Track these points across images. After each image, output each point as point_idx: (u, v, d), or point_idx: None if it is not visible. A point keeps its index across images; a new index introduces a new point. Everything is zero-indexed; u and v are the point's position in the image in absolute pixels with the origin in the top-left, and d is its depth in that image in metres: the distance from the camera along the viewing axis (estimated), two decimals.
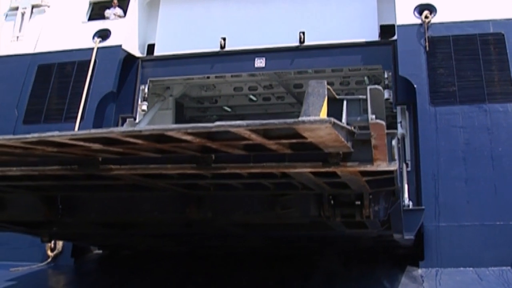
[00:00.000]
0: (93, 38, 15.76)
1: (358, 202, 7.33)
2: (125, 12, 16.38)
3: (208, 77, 17.00)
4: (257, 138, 3.98)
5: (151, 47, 16.61)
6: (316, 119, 3.56)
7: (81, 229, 9.94)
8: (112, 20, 16.26)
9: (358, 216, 7.41)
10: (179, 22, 16.40)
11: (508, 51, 13.28)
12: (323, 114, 4.91)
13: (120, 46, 15.61)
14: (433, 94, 13.24)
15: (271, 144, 4.25)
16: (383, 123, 4.40)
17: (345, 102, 5.29)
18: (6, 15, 16.92)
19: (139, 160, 5.56)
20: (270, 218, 8.11)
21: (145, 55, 16.53)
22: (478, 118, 12.84)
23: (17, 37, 16.38)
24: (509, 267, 11.53)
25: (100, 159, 5.66)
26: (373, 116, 4.65)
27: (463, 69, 13.31)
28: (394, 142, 5.10)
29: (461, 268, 11.77)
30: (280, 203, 7.71)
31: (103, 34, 15.80)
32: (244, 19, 15.84)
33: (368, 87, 5.35)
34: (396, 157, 5.13)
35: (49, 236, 11.15)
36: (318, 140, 3.97)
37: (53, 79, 15.39)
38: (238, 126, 3.71)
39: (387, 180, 6.70)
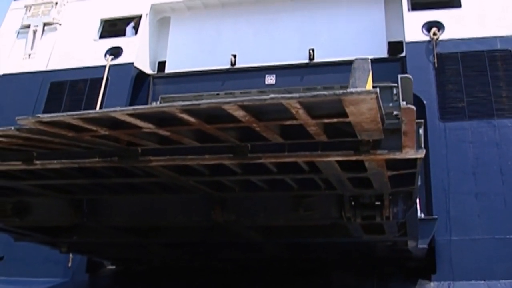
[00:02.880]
0: (105, 55, 16.35)
1: (378, 203, 7.84)
2: (136, 30, 16.97)
3: (218, 94, 17.55)
4: (302, 115, 4.46)
5: (162, 65, 17.19)
6: (363, 90, 4.09)
7: (102, 236, 10.35)
8: (123, 37, 16.86)
9: (378, 217, 7.90)
10: (190, 39, 17.01)
11: None
12: (369, 87, 5.43)
13: (132, 63, 16.22)
14: (442, 109, 13.66)
15: (311, 125, 4.74)
16: (414, 108, 4.92)
17: (378, 90, 5.76)
18: (18, 33, 17.47)
19: (177, 151, 6.04)
20: (292, 220, 8.58)
21: (156, 72, 17.11)
22: (487, 133, 13.23)
23: (29, 54, 16.93)
24: None
25: (139, 150, 6.14)
26: (404, 102, 5.15)
27: (471, 85, 13.74)
28: (421, 131, 5.63)
29: (473, 281, 12.07)
30: (303, 204, 8.21)
31: (115, 51, 16.38)
32: (254, 36, 16.43)
33: (399, 76, 5.88)
34: (423, 145, 5.64)
35: (68, 247, 11.56)
36: (358, 119, 4.47)
37: (65, 96, 15.89)
38: (290, 98, 4.19)
39: (409, 177, 7.22)
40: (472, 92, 13.72)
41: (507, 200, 12.61)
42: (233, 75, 16.08)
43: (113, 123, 5.10)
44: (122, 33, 17.15)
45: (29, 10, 17.49)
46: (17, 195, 8.96)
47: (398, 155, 5.54)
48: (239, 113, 4.53)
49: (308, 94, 4.14)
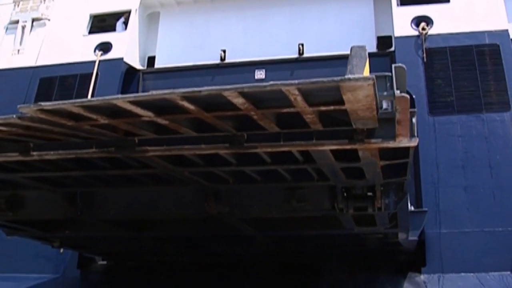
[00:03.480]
0: (95, 51, 16.45)
1: (370, 194, 7.97)
2: (126, 25, 17.05)
3: None
4: (300, 103, 4.59)
5: (151, 60, 17.32)
6: (361, 76, 4.23)
7: (95, 230, 10.42)
8: (113, 33, 16.95)
9: (370, 208, 8.02)
10: (179, 34, 17.14)
11: (503, 61, 13.97)
12: (366, 74, 5.56)
13: (122, 59, 16.33)
14: (432, 104, 13.87)
15: (308, 113, 4.87)
16: (408, 97, 5.07)
17: (374, 76, 5.88)
18: (7, 29, 17.57)
19: (174, 141, 6.15)
20: (285, 212, 8.70)
21: (145, 67, 17.21)
22: (475, 127, 13.48)
23: (18, 50, 17.01)
24: (508, 272, 12.15)
25: (136, 140, 6.24)
26: (398, 91, 5.30)
27: (460, 80, 13.96)
28: (414, 120, 5.78)
29: (462, 274, 12.32)
30: (296, 196, 8.32)
31: (105, 47, 16.49)
32: (244, 31, 16.59)
33: (393, 65, 6.04)
34: (416, 134, 5.79)
35: (60, 242, 11.62)
36: (354, 107, 4.61)
37: (55, 92, 15.92)
38: (289, 84, 4.32)
39: (401, 167, 7.36)
40: (461, 86, 13.94)
41: (495, 193, 12.87)
42: (223, 70, 16.16)
43: (113, 112, 5.20)
44: (112, 29, 17.26)
45: (18, 6, 17.60)
46: (11, 189, 9.02)
47: (391, 144, 5.67)
48: (238, 100, 4.64)
49: (307, 80, 4.27)
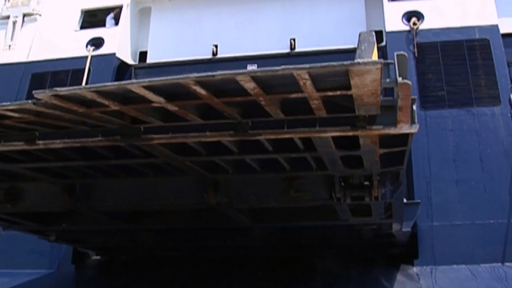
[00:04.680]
0: (87, 46, 16.59)
1: (367, 183, 8.20)
2: (116, 20, 17.21)
3: None
4: (309, 87, 4.77)
5: (143, 55, 17.46)
6: (369, 60, 4.43)
7: (92, 223, 10.53)
8: (105, 28, 17.11)
9: (367, 197, 8.25)
10: (171, 29, 17.30)
11: (493, 56, 14.29)
12: (374, 58, 5.77)
13: (114, 54, 16.48)
14: (423, 98, 14.10)
15: (315, 98, 5.07)
16: (410, 83, 5.28)
17: (382, 60, 6.04)
18: None
19: (179, 129, 6.33)
20: (283, 202, 8.88)
21: (137, 62, 17.37)
22: (466, 121, 13.78)
23: (9, 45, 17.07)
24: (499, 264, 12.44)
25: (142, 128, 6.40)
26: (400, 78, 5.50)
27: (451, 74, 14.27)
28: (414, 107, 5.99)
29: (454, 266, 12.62)
30: (294, 186, 8.53)
31: (96, 42, 16.63)
32: (235, 26, 16.78)
33: (395, 53, 6.25)
34: (416, 121, 6.00)
35: (56, 236, 11.72)
36: (360, 92, 4.82)
37: (47, 87, 15.91)
38: (300, 68, 4.52)
39: (398, 156, 7.58)
40: (451, 81, 14.23)
41: (486, 186, 13.18)
42: (215, 65, 16.25)
43: (125, 98, 5.38)
44: (103, 24, 17.39)
45: (8, 1, 17.69)
46: (10, 181, 9.13)
47: (393, 130, 5.88)
48: (250, 85, 4.82)
49: (317, 65, 4.47)
